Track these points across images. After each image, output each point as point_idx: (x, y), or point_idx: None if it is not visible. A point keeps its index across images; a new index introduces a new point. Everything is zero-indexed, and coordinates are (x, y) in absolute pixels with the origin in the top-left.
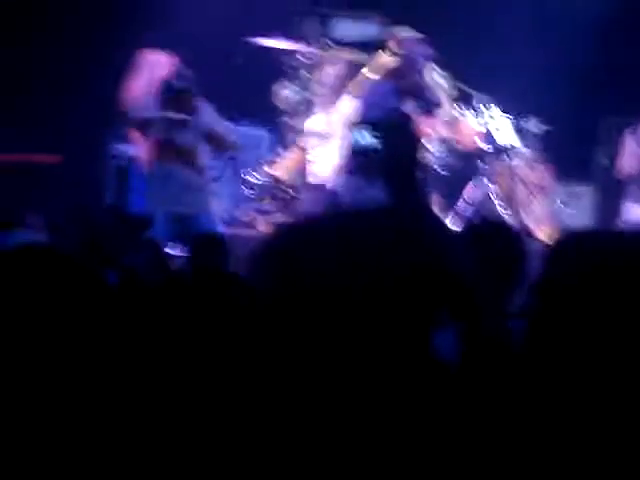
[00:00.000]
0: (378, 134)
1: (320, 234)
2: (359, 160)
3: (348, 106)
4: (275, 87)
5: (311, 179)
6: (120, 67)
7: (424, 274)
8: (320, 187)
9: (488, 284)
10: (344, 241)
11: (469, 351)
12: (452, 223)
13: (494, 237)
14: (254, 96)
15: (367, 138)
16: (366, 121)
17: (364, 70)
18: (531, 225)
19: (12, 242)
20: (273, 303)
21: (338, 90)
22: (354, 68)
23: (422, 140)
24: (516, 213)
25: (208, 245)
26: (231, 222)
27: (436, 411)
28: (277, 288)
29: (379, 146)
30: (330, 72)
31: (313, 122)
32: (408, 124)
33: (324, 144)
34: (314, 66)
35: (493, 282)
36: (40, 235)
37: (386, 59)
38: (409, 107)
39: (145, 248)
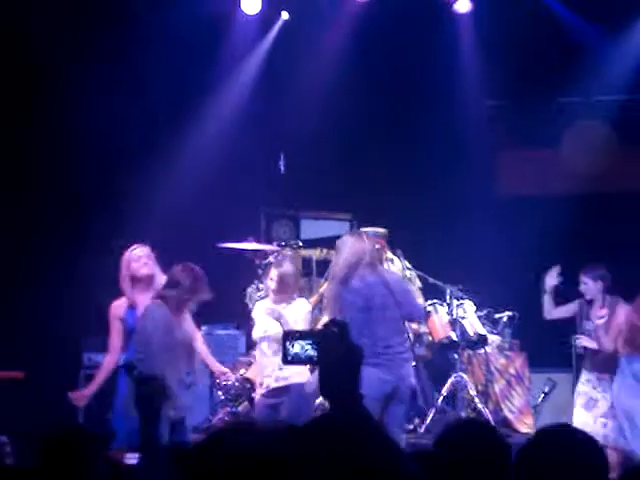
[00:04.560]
0: (314, 343)
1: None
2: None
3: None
4: (249, 289)
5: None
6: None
7: None
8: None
9: None
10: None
11: None
12: (434, 421)
13: (470, 439)
14: (229, 298)
15: (303, 347)
16: (301, 331)
17: None
18: (511, 417)
19: None
20: None
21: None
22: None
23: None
24: (496, 405)
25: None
26: (208, 428)
27: None
28: None
29: (315, 355)
30: (289, 270)
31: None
32: (345, 331)
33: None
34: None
35: None
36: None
37: None
38: None
39: None
